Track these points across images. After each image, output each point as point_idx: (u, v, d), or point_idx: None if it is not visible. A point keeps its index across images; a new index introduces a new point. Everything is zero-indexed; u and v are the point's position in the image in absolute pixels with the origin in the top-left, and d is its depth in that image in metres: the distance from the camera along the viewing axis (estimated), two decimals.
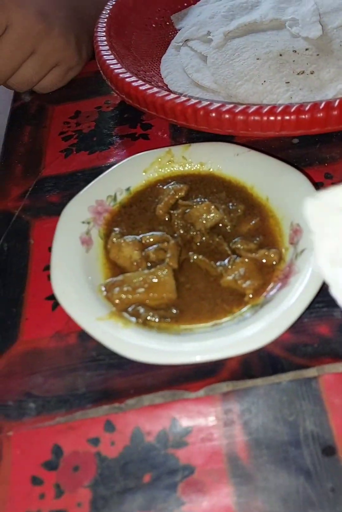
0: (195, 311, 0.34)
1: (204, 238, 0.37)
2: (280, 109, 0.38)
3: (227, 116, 0.39)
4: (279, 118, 0.38)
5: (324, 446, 0.29)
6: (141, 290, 0.34)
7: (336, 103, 0.37)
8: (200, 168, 0.41)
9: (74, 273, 0.35)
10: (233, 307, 0.33)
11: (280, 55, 0.47)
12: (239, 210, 0.38)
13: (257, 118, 0.38)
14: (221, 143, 0.41)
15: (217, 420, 0.31)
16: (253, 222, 0.37)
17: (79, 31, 0.56)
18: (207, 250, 0.36)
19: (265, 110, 0.38)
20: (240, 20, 0.53)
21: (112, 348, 0.31)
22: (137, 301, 0.34)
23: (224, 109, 0.39)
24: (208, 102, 0.41)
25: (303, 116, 0.37)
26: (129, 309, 0.33)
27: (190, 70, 0.53)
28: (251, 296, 0.33)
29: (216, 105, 0.40)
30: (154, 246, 0.36)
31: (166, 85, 0.54)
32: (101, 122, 0.55)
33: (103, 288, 0.35)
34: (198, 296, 0.34)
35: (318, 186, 0.42)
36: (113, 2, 0.59)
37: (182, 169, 0.42)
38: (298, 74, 0.46)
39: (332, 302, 0.30)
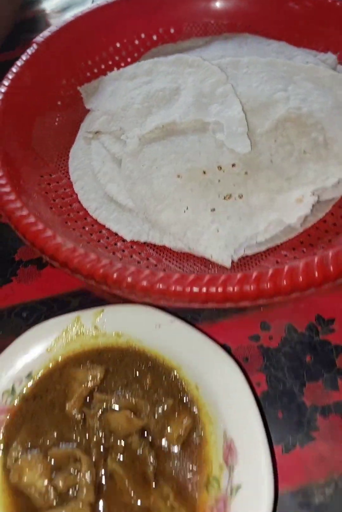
0: None
1: (123, 455, 0.30)
2: (206, 279, 0.32)
3: (144, 283, 0.33)
4: (204, 289, 0.32)
5: None
6: None
7: (269, 273, 0.32)
8: (117, 339, 0.35)
9: None
10: None
11: (204, 172, 0.41)
12: (166, 406, 0.31)
13: (179, 288, 0.32)
14: (139, 308, 0.35)
15: None
16: (184, 422, 0.31)
17: None
18: (129, 464, 0.30)
19: (190, 279, 0.32)
20: (157, 115, 0.46)
21: None
22: None
23: (141, 276, 0.33)
24: (120, 266, 0.34)
25: (231, 289, 0.32)
26: None
27: (102, 179, 0.45)
28: None
29: (131, 269, 0.33)
30: (64, 472, 0.29)
31: (76, 194, 0.46)
32: None
33: None
34: None
35: (254, 340, 0.37)
36: (6, 84, 0.49)
37: (96, 342, 0.35)
38: (224, 198, 0.40)
39: None
